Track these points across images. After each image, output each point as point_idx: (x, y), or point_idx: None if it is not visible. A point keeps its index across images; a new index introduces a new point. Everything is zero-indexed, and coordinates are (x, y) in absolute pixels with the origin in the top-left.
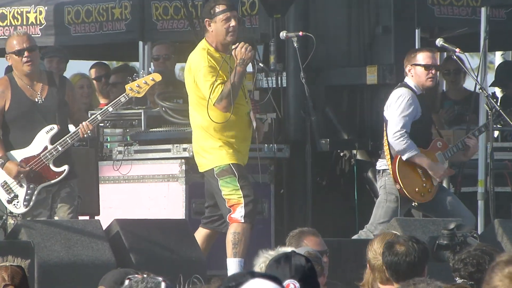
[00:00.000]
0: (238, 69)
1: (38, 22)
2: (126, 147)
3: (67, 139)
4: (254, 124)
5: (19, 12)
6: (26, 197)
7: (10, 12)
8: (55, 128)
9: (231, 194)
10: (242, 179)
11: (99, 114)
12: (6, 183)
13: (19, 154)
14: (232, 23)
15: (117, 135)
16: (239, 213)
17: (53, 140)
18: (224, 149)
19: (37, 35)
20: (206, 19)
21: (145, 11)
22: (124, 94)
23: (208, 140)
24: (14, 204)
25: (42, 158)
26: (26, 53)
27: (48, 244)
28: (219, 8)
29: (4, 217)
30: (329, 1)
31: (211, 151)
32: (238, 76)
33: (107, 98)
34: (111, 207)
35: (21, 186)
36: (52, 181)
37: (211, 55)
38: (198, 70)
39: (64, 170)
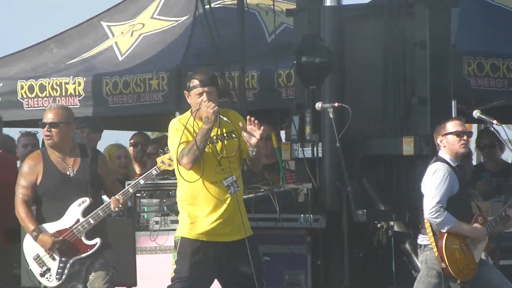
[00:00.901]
0: (203, 127)
1: (76, 93)
2: (162, 217)
3: (99, 212)
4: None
5: (58, 83)
6: (59, 270)
7: (49, 83)
8: (87, 201)
9: (172, 268)
10: (180, 255)
11: (131, 186)
12: (39, 256)
13: (51, 227)
14: (204, 98)
15: (154, 205)
16: None
17: (85, 213)
18: (184, 220)
19: (76, 106)
20: (185, 92)
21: (181, 82)
22: (155, 167)
23: (180, 207)
24: (47, 278)
25: (74, 231)
26: (46, 127)
27: None
28: (193, 83)
29: None
30: (365, 72)
31: (179, 218)
32: (200, 133)
33: (143, 167)
34: (148, 278)
35: (53, 259)
36: (84, 255)
37: (183, 122)
38: (169, 135)
39: (96, 243)
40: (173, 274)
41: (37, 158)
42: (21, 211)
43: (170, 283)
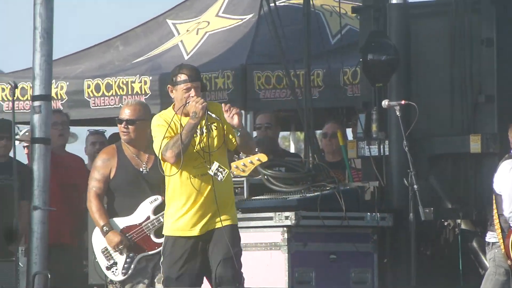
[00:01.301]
0: (189, 121)
1: (143, 92)
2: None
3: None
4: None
5: (125, 82)
6: (125, 265)
7: (115, 81)
8: (159, 199)
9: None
10: (164, 255)
11: None
12: (107, 249)
13: (121, 222)
14: (192, 93)
15: None
16: None
17: (156, 210)
18: (168, 218)
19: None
20: (169, 86)
21: (247, 80)
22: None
23: (167, 206)
24: (113, 271)
25: (144, 228)
26: (123, 124)
27: None
28: (180, 78)
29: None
30: (431, 69)
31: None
32: (187, 128)
33: None
34: None
35: (121, 253)
36: (151, 252)
37: (166, 116)
38: (152, 131)
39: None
40: (162, 276)
41: (112, 153)
42: (93, 205)
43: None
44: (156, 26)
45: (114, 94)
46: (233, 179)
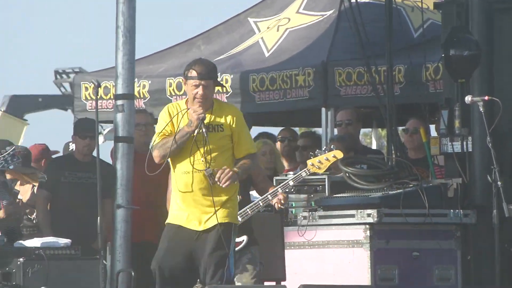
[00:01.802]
0: (184, 128)
1: (224, 90)
2: (310, 212)
3: (248, 210)
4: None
5: None
6: None
7: None
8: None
9: None
10: (161, 242)
11: (280, 187)
12: None
13: None
14: (200, 91)
15: (302, 201)
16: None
17: None
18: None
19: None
20: (182, 78)
21: (328, 77)
22: (305, 169)
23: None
24: None
25: None
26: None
27: None
28: (191, 73)
29: None
30: None
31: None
32: (180, 133)
33: (292, 162)
34: (297, 272)
35: None
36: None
37: (175, 108)
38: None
39: (243, 240)
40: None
41: None
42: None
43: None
44: (237, 24)
45: None
46: (313, 177)
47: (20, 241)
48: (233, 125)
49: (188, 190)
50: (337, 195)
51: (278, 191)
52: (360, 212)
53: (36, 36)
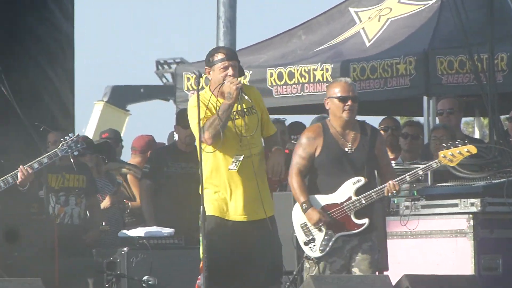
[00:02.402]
0: (224, 102)
1: (324, 80)
2: (413, 202)
3: (373, 194)
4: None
5: (306, 70)
6: (323, 242)
7: (297, 70)
8: (362, 180)
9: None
10: (207, 239)
11: (408, 175)
12: (306, 225)
13: (323, 200)
14: (230, 72)
15: (404, 190)
16: (200, 280)
17: (358, 192)
18: (208, 198)
19: (323, 92)
20: (206, 67)
21: (429, 66)
22: (436, 160)
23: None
24: (310, 247)
25: (345, 207)
26: (349, 102)
27: None
28: (217, 57)
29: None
30: None
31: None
32: (222, 108)
33: (395, 151)
34: (399, 262)
35: (320, 230)
36: (351, 232)
37: (203, 97)
38: (188, 113)
39: (365, 223)
40: (201, 264)
41: (318, 131)
42: (294, 181)
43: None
44: (338, 14)
45: (296, 82)
46: (415, 166)
47: (124, 231)
48: (261, 105)
49: (231, 177)
50: (440, 184)
51: (406, 179)
52: (464, 201)
53: (138, 27)
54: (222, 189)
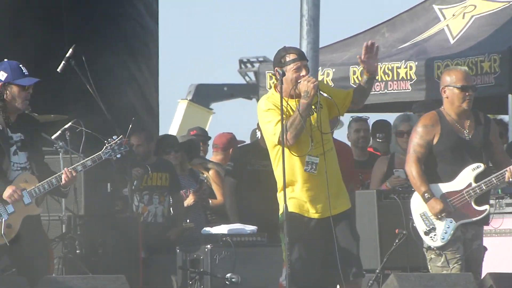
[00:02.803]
0: (302, 101)
1: (408, 77)
2: (497, 200)
3: (493, 179)
4: None
5: (390, 67)
6: (444, 231)
7: (381, 67)
8: (481, 166)
9: (283, 252)
10: (289, 236)
11: None
12: (425, 214)
13: (443, 188)
14: (303, 72)
15: None
16: (283, 275)
17: (477, 178)
18: (286, 197)
19: (407, 90)
20: (276, 68)
21: None
22: None
23: (279, 189)
24: (431, 237)
25: (465, 194)
26: (470, 91)
27: None
28: (289, 57)
29: None
30: None
31: (279, 199)
32: (301, 108)
33: None
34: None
35: (440, 219)
36: (472, 219)
37: (273, 100)
38: (260, 116)
39: (486, 209)
40: (285, 260)
41: (434, 119)
42: (413, 169)
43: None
44: (422, 11)
45: (379, 80)
46: None
47: (207, 228)
48: (332, 95)
49: (305, 175)
50: None
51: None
52: None
53: (222, 26)
54: (299, 187)
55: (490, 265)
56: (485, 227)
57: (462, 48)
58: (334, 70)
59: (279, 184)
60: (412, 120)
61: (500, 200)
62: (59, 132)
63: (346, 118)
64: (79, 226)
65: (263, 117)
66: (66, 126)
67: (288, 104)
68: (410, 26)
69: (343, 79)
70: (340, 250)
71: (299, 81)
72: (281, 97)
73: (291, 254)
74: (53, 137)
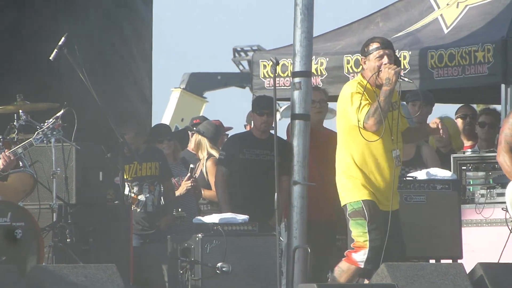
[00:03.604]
0: (384, 88)
1: (402, 67)
2: (488, 190)
3: None
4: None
5: None
6: None
7: None
8: None
9: (359, 236)
10: (372, 222)
11: None
12: None
13: None
14: (385, 60)
15: (480, 178)
16: (360, 257)
17: None
18: (359, 185)
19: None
20: (361, 58)
21: (508, 53)
22: None
23: (347, 175)
24: None
25: None
26: None
27: (412, 287)
28: (372, 46)
29: None
30: None
31: (348, 186)
32: (383, 94)
33: (472, 139)
34: (474, 250)
35: None
36: None
37: (362, 85)
38: (346, 97)
39: None
40: (367, 244)
41: None
42: (506, 159)
43: (360, 252)
44: (416, 1)
45: None
46: (491, 154)
47: (199, 217)
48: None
49: (381, 167)
50: None
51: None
52: None
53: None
54: (373, 178)
55: (481, 255)
56: (476, 217)
57: (455, 37)
58: (328, 59)
59: (344, 168)
60: (403, 110)
61: (491, 190)
62: (52, 120)
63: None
64: (70, 215)
65: (348, 98)
66: (58, 114)
67: (375, 92)
68: (404, 16)
69: (336, 68)
70: (398, 241)
71: (379, 69)
72: (275, 85)
73: (373, 238)
74: (45, 126)
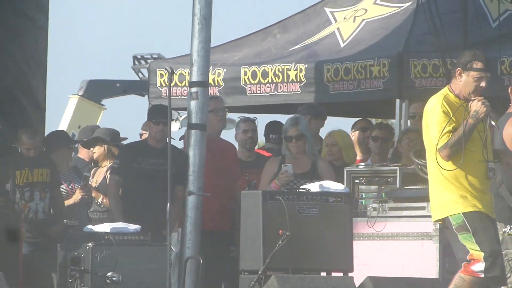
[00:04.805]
0: (469, 120)
1: (298, 80)
2: (381, 204)
3: None
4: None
5: (280, 69)
6: None
7: (271, 69)
8: None
9: (472, 249)
10: (478, 234)
11: None
12: None
13: None
14: (482, 84)
15: (372, 192)
16: (478, 268)
17: None
18: (456, 198)
19: (297, 92)
20: (459, 68)
21: (403, 69)
22: None
23: (440, 189)
24: None
25: None
26: None
27: None
28: (476, 65)
29: None
30: None
31: (442, 200)
32: (468, 127)
33: (365, 153)
34: (365, 264)
35: None
36: None
37: (448, 100)
38: (431, 114)
39: None
40: (481, 256)
41: None
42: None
43: (477, 264)
44: (314, 14)
45: (270, 81)
46: (384, 169)
47: (90, 226)
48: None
49: (474, 179)
50: (408, 187)
51: None
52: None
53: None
54: (470, 189)
55: (372, 268)
56: (368, 231)
57: (352, 51)
58: (225, 70)
59: (440, 180)
60: (301, 124)
61: (384, 204)
62: None
63: (234, 118)
64: None
65: (433, 116)
66: None
67: (462, 105)
68: (301, 28)
69: (233, 79)
70: None
71: (472, 98)
72: (169, 94)
73: (484, 248)
74: None
